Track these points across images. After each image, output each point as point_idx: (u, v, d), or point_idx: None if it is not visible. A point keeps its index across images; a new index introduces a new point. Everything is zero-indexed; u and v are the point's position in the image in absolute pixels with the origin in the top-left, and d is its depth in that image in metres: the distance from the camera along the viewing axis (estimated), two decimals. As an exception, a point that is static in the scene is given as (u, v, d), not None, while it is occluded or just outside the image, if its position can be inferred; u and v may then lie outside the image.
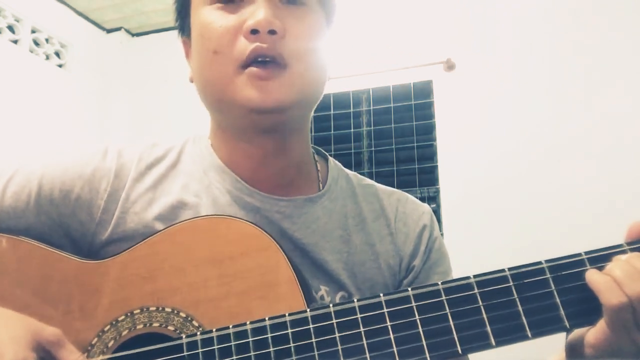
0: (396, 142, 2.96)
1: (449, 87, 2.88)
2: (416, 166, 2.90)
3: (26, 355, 0.54)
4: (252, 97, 0.67)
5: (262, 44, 0.67)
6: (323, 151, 0.87)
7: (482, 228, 2.63)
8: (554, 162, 2.61)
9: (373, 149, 3.00)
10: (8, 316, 0.58)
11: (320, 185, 0.82)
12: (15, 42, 2.88)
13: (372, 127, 3.02)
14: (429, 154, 2.90)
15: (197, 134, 0.84)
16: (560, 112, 2.65)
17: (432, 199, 2.85)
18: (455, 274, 0.88)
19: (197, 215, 0.72)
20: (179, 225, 0.68)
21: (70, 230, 0.72)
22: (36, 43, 3.02)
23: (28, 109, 2.85)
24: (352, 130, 3.04)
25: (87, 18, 3.33)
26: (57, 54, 3.16)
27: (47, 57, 3.08)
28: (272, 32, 0.67)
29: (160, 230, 0.69)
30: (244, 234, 0.66)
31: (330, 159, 0.86)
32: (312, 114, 0.82)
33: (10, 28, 2.87)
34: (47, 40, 3.07)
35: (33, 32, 2.99)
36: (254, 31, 0.67)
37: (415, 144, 2.93)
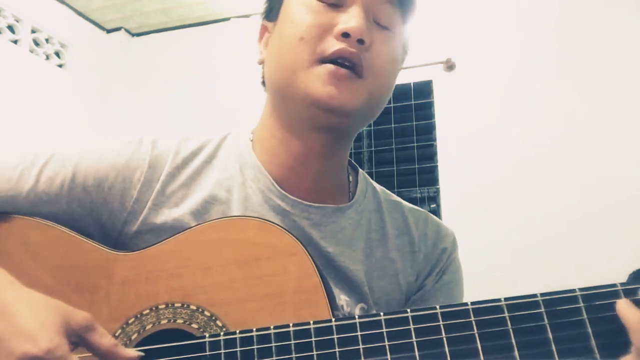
0: (396, 142, 2.96)
1: (449, 87, 2.89)
2: (416, 166, 2.90)
3: (60, 340, 0.54)
4: (322, 92, 0.68)
5: (349, 47, 0.69)
6: (354, 163, 0.88)
7: (482, 228, 2.64)
8: (554, 161, 2.62)
9: (373, 149, 3.01)
10: (40, 301, 0.58)
11: (350, 195, 0.82)
12: (15, 42, 2.88)
13: (372, 127, 3.02)
14: (429, 154, 2.91)
15: (238, 130, 0.84)
16: (560, 112, 2.66)
17: (432, 199, 2.86)
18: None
19: (227, 211, 0.73)
20: (209, 224, 0.69)
21: (101, 219, 0.73)
22: (36, 43, 3.01)
23: (28, 109, 2.85)
24: (352, 130, 3.04)
25: (87, 18, 3.32)
26: (57, 54, 3.15)
27: (47, 57, 3.07)
28: (360, 41, 0.69)
29: (191, 227, 0.69)
30: (274, 237, 0.66)
31: (361, 171, 0.87)
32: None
33: (10, 28, 2.87)
34: (47, 40, 3.07)
35: (33, 32, 2.99)
36: (345, 34, 0.69)
37: (415, 144, 2.93)
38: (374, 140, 3.01)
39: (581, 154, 2.59)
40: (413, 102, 2.97)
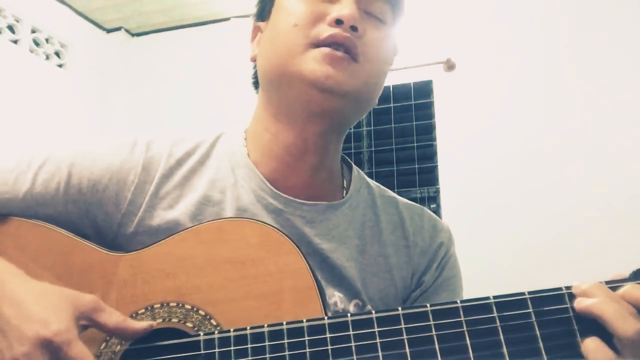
0: (396, 142, 2.96)
1: (449, 87, 2.89)
2: (416, 166, 2.90)
3: (68, 325, 0.56)
4: (319, 72, 0.69)
5: (342, 32, 0.70)
6: (349, 159, 0.88)
7: (482, 228, 2.64)
8: (554, 161, 2.62)
9: (373, 149, 3.01)
10: (47, 288, 0.60)
11: (344, 192, 0.82)
12: (15, 42, 2.88)
13: (372, 127, 3.03)
14: (429, 154, 2.91)
15: (232, 130, 0.84)
16: (560, 112, 2.66)
17: (432, 199, 2.86)
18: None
19: (221, 212, 0.74)
20: (204, 225, 0.69)
21: (96, 220, 0.73)
22: (36, 43, 3.01)
23: (28, 109, 2.85)
24: (352, 130, 3.03)
25: (87, 18, 3.33)
26: (57, 54, 3.15)
27: (47, 57, 3.07)
28: (354, 28, 0.71)
29: (186, 228, 0.70)
30: (268, 238, 0.67)
31: (355, 167, 0.87)
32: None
33: (10, 28, 2.87)
34: (47, 40, 3.07)
35: (33, 32, 2.99)
36: (339, 21, 0.70)
37: (415, 144, 2.93)
38: (374, 140, 3.01)
39: (582, 153, 2.59)
40: (413, 102, 2.97)
